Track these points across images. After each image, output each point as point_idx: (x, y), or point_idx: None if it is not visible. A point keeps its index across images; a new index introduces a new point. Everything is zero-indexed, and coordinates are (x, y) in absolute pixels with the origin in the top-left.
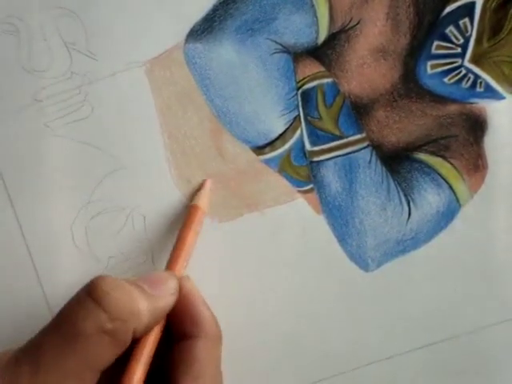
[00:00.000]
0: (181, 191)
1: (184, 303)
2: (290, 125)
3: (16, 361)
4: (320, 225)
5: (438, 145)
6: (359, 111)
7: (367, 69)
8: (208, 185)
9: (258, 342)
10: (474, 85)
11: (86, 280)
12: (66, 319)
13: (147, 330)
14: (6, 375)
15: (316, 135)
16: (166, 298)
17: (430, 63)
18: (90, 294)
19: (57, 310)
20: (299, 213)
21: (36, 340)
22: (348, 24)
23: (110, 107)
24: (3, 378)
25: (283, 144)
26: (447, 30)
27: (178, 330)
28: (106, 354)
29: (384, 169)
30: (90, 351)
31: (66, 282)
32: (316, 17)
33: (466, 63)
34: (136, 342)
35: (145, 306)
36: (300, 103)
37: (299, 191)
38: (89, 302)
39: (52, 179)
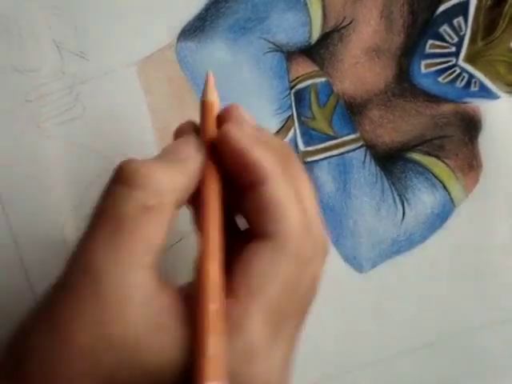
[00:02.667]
0: None
1: (235, 155)
2: (283, 125)
3: (70, 277)
4: None
5: (432, 144)
6: (353, 111)
7: (361, 68)
8: (211, 77)
9: None
10: (468, 84)
11: None
12: (106, 212)
13: (190, 193)
14: (68, 296)
15: (309, 135)
16: (193, 159)
17: (424, 62)
18: (122, 180)
19: None
20: None
21: (83, 249)
22: (341, 23)
23: (102, 107)
24: (67, 302)
25: None
26: (441, 29)
27: (241, 181)
28: (158, 231)
29: (378, 169)
30: (142, 233)
31: None
32: (309, 16)
33: (461, 62)
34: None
35: (175, 173)
36: (293, 103)
37: None
38: (122, 189)
39: (43, 180)
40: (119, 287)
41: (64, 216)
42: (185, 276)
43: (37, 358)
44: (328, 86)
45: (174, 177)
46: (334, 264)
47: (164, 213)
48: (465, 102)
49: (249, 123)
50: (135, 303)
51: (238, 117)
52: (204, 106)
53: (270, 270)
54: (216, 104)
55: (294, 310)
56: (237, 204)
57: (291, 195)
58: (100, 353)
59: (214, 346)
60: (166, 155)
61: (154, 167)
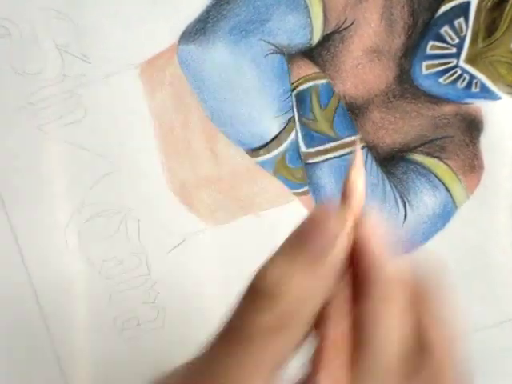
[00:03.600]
0: (175, 194)
1: (364, 267)
2: (285, 126)
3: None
4: None
5: (433, 145)
6: (354, 112)
7: (362, 69)
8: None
9: None
10: (469, 85)
11: (79, 284)
12: (234, 324)
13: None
14: None
15: (311, 137)
16: (329, 264)
17: (425, 63)
18: (260, 290)
19: (50, 315)
20: (295, 215)
21: (206, 357)
22: (342, 25)
23: (104, 110)
24: None
25: (278, 146)
26: (442, 30)
27: (360, 288)
28: (285, 350)
29: (380, 170)
30: (270, 351)
31: (59, 286)
32: (310, 18)
33: (462, 63)
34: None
35: (312, 281)
36: (294, 104)
37: (294, 193)
38: (259, 300)
39: (45, 182)
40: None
41: (66, 218)
42: (188, 278)
43: None
44: (329, 87)
45: (311, 287)
46: None
47: (295, 329)
48: (466, 103)
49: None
50: None
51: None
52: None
53: None
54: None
55: None
56: None
57: (401, 329)
58: None
59: None
60: (298, 248)
61: (293, 278)
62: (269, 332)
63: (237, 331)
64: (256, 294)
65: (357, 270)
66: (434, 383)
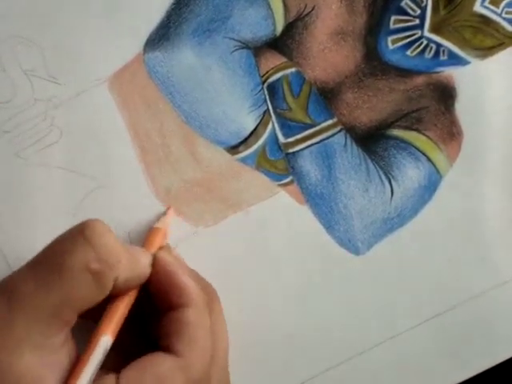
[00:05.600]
0: (161, 201)
1: (165, 275)
2: (261, 120)
3: None
4: (305, 215)
5: (410, 119)
6: (327, 96)
7: (329, 53)
8: (171, 213)
9: (256, 339)
10: (437, 54)
11: None
12: (53, 253)
13: (124, 290)
14: None
15: (288, 127)
16: (145, 265)
17: (390, 38)
18: (82, 232)
19: None
20: (283, 206)
21: (17, 274)
22: (303, 11)
23: (79, 128)
24: None
25: (257, 140)
26: (403, 3)
27: (165, 302)
28: (87, 295)
29: (360, 150)
30: (73, 287)
31: None
32: (270, 8)
33: (426, 33)
34: (110, 301)
35: (129, 259)
36: (267, 97)
37: (279, 185)
38: (80, 239)
39: (31, 208)
40: (29, 323)
41: None
42: None
43: None
44: (299, 75)
45: (126, 261)
46: (330, 250)
47: (101, 282)
48: (436, 72)
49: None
50: (34, 346)
51: (174, 251)
52: (155, 231)
53: (163, 380)
54: (164, 233)
55: None
56: (154, 319)
57: (207, 328)
58: None
59: None
60: (129, 246)
61: (116, 242)
62: (75, 272)
63: (51, 254)
64: (80, 232)
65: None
66: None
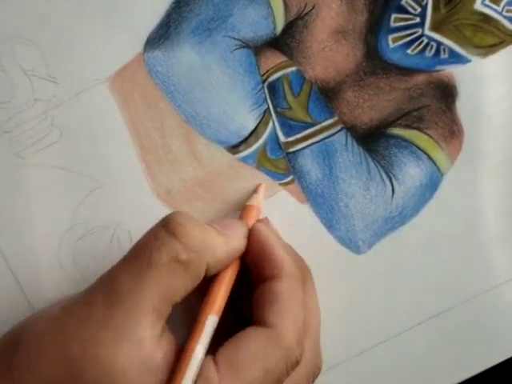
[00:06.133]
0: (161, 201)
1: (261, 247)
2: (261, 119)
3: (90, 293)
4: (306, 214)
5: (411, 117)
6: (328, 95)
7: (329, 52)
8: (262, 189)
9: None
10: (437, 52)
11: None
12: (140, 251)
13: (221, 268)
14: (80, 308)
15: (288, 126)
16: (238, 239)
17: (391, 37)
18: (165, 227)
19: None
20: (284, 205)
21: (109, 273)
22: (304, 10)
23: (79, 128)
24: (78, 312)
25: (257, 139)
26: (403, 2)
27: (258, 274)
28: (180, 285)
29: (361, 149)
30: (164, 281)
31: None
32: (271, 7)
33: (427, 32)
34: (212, 279)
35: (219, 241)
36: (268, 96)
37: (280, 184)
38: (163, 234)
39: (31, 208)
40: (127, 319)
41: (57, 241)
42: None
43: (32, 352)
44: (299, 74)
45: (216, 244)
46: (331, 249)
47: (193, 271)
48: (437, 71)
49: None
50: (134, 340)
51: (271, 225)
52: (249, 208)
53: (258, 354)
54: (259, 209)
55: None
56: (245, 294)
57: (299, 300)
58: (84, 368)
59: None
60: (216, 225)
61: (200, 227)
62: (163, 266)
63: (141, 253)
64: (162, 227)
65: (257, 263)
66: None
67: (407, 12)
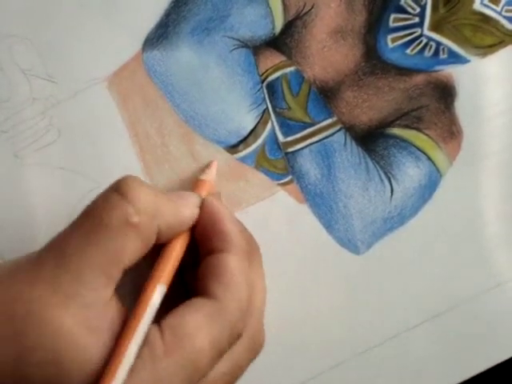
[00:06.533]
0: None
1: (211, 219)
2: (260, 119)
3: (39, 255)
4: (305, 214)
5: (410, 117)
6: (327, 95)
7: (328, 51)
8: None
9: None
10: (436, 52)
11: None
12: (92, 213)
13: (172, 236)
14: (29, 268)
15: (287, 126)
16: (189, 208)
17: (390, 37)
18: (117, 190)
19: None
20: (282, 205)
21: (60, 235)
22: (302, 10)
23: (77, 127)
24: (26, 272)
25: (256, 139)
26: (402, 2)
27: (207, 246)
28: (131, 249)
29: (360, 149)
30: (116, 243)
31: None
32: (269, 7)
33: (426, 32)
34: (162, 248)
35: (170, 207)
36: (266, 96)
37: (279, 184)
38: (115, 196)
39: (28, 208)
40: (76, 280)
41: None
42: None
43: None
44: (298, 74)
45: (168, 209)
46: (330, 250)
47: (143, 234)
48: (436, 71)
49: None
50: (82, 302)
51: (222, 201)
52: (201, 182)
53: (202, 325)
54: (210, 183)
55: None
56: (194, 266)
57: (245, 275)
58: (28, 327)
59: (125, 364)
60: (169, 193)
61: (152, 192)
62: (114, 228)
63: (91, 216)
64: (113, 190)
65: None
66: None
67: (406, 12)
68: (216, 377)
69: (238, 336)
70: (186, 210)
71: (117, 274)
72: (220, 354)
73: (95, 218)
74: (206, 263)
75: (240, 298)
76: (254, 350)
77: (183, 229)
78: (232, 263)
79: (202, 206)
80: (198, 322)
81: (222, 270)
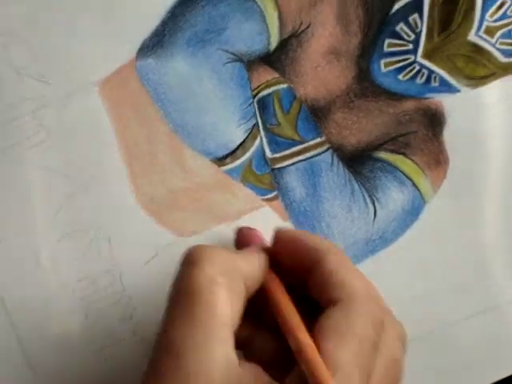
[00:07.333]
0: (143, 209)
1: (291, 243)
2: (249, 133)
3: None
4: None
5: (397, 142)
6: (317, 115)
7: (321, 71)
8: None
9: None
10: (428, 80)
11: (54, 306)
12: (179, 290)
13: (256, 285)
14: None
15: (276, 142)
16: (253, 253)
17: (383, 61)
18: (189, 261)
19: (25, 338)
20: (266, 221)
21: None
22: (298, 28)
23: (67, 130)
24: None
25: (244, 153)
26: (398, 28)
27: (301, 269)
28: (230, 308)
29: (346, 170)
30: (215, 306)
31: (33, 309)
32: (266, 23)
33: (419, 59)
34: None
35: (243, 260)
36: (257, 111)
37: (264, 199)
38: (191, 267)
39: (12, 205)
40: (199, 361)
41: (36, 241)
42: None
43: None
44: (290, 91)
45: (239, 262)
46: None
47: (234, 291)
48: (426, 98)
49: None
50: (215, 376)
51: None
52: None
53: (345, 330)
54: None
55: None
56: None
57: (347, 266)
58: None
59: None
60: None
61: (219, 250)
62: (206, 290)
63: (180, 294)
64: (187, 263)
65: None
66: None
67: (401, 38)
68: None
69: (381, 322)
70: (253, 256)
71: (231, 336)
72: (374, 348)
73: (185, 293)
74: (312, 281)
75: (359, 287)
76: (402, 338)
77: (263, 273)
78: (333, 266)
79: (276, 238)
80: (343, 333)
81: (329, 276)
